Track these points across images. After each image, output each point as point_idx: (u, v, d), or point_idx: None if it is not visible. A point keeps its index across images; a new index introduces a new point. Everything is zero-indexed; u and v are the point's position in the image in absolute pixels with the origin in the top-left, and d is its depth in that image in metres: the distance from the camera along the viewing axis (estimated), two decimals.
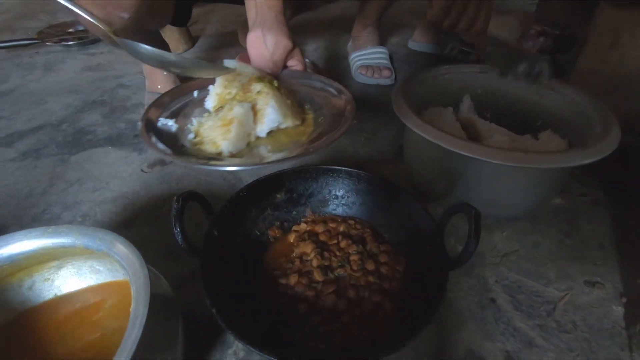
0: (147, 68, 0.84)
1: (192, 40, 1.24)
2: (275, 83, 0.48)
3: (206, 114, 0.47)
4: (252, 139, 0.45)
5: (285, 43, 0.53)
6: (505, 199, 0.52)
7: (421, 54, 1.15)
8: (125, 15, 0.54)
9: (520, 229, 0.55)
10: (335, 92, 0.51)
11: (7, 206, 0.62)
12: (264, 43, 0.52)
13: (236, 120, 0.42)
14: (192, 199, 0.41)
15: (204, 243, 0.41)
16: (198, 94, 0.51)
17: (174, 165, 0.70)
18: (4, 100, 0.95)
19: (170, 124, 0.46)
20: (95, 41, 1.25)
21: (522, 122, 0.64)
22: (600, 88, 0.66)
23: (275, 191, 0.51)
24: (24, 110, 0.90)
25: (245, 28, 1.00)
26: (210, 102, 0.48)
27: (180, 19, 0.85)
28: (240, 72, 0.48)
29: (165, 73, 0.82)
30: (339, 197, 0.52)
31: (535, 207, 0.57)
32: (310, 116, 0.49)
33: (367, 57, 0.99)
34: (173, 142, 0.43)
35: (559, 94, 0.59)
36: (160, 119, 0.46)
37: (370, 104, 0.89)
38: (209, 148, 0.42)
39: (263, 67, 0.53)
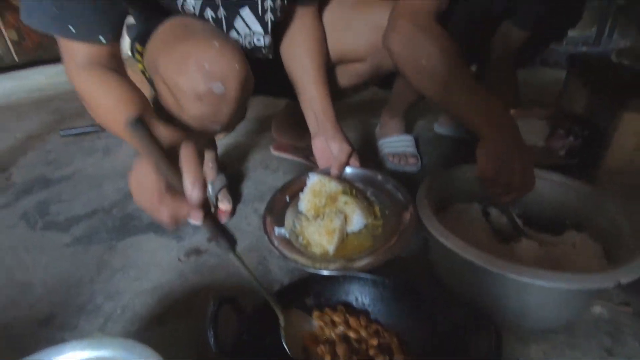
0: None
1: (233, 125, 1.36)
2: (354, 192, 0.61)
3: (303, 217, 0.60)
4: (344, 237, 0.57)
5: (346, 148, 0.66)
6: (537, 312, 0.51)
7: (447, 138, 1.19)
8: (218, 127, 0.61)
9: (558, 344, 0.52)
10: (392, 188, 0.63)
11: (58, 294, 0.67)
12: (329, 149, 0.67)
13: (337, 229, 0.55)
14: (227, 302, 0.44)
15: (234, 346, 0.43)
16: (290, 200, 0.64)
17: (208, 255, 0.74)
18: (67, 183, 1.06)
19: (283, 232, 0.57)
20: None
21: (550, 220, 0.64)
22: (627, 187, 0.65)
23: (304, 296, 0.52)
24: (82, 193, 1.00)
25: (280, 120, 1.10)
26: (303, 206, 0.61)
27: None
28: (325, 184, 0.61)
29: (210, 165, 0.90)
30: (366, 305, 0.53)
31: (571, 320, 0.54)
32: (377, 208, 0.61)
33: (393, 145, 1.04)
34: (288, 244, 0.55)
35: (586, 196, 0.59)
36: (275, 228, 0.58)
37: None
38: (317, 250, 0.54)
39: (332, 168, 0.66)
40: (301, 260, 0.52)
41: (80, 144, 1.33)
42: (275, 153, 1.13)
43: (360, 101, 1.55)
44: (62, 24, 0.48)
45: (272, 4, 0.63)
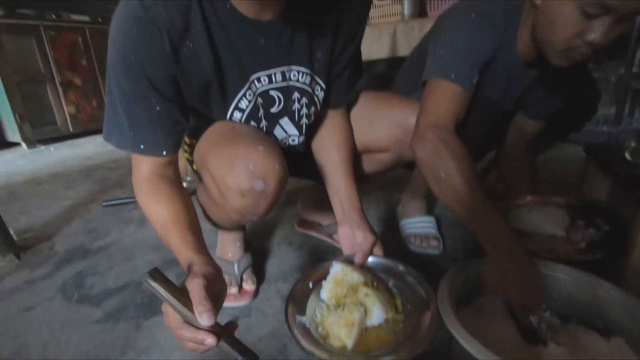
0: (221, 236, 0.97)
1: None
2: (375, 284, 0.63)
3: (324, 306, 0.61)
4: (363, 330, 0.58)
5: (371, 238, 0.70)
6: None
7: None
8: (255, 218, 0.66)
9: None
10: (414, 280, 0.65)
11: None
12: (354, 238, 0.71)
13: (357, 323, 0.56)
14: None
15: None
16: (312, 285, 0.66)
17: None
18: (103, 254, 1.13)
19: (304, 320, 0.59)
20: None
21: (581, 320, 0.61)
22: None
23: None
24: (116, 266, 1.06)
25: (306, 199, 1.16)
26: (325, 294, 0.63)
27: None
28: (348, 274, 0.63)
29: (238, 244, 0.94)
30: None
31: None
32: (398, 301, 0.63)
33: (415, 226, 1.06)
34: (307, 335, 0.56)
35: (617, 300, 0.57)
36: (297, 316, 0.59)
37: (418, 271, 0.91)
38: (335, 342, 0.55)
39: (356, 257, 0.69)
40: (319, 353, 0.53)
41: (119, 214, 1.43)
42: (299, 230, 1.17)
43: (384, 177, 1.60)
44: (134, 143, 0.58)
45: (307, 111, 0.71)
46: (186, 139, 0.78)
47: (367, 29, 2.20)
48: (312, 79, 0.68)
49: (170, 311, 0.43)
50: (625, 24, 0.60)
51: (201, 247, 0.54)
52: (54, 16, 2.78)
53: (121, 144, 0.59)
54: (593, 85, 0.94)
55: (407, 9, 2.17)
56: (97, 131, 3.10)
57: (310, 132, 0.79)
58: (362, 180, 1.04)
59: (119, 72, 0.54)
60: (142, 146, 0.58)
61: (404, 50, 2.15)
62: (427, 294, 0.61)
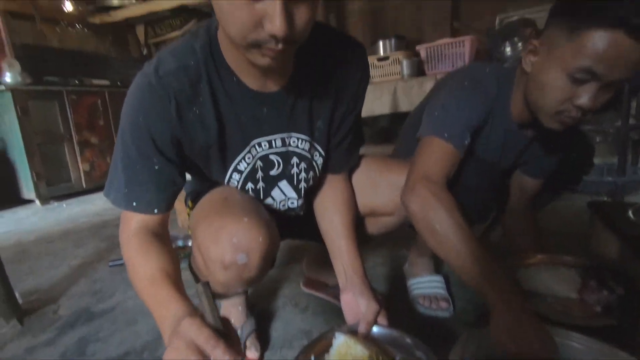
0: (224, 306, 0.95)
1: None
2: (380, 358, 0.61)
3: None
4: None
5: (374, 307, 0.68)
6: None
7: None
8: (240, 290, 0.67)
9: None
10: (422, 355, 0.62)
11: None
12: (358, 306, 0.69)
13: None
14: None
15: None
16: (315, 359, 0.64)
17: None
18: (106, 318, 1.11)
19: None
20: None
21: None
22: None
23: None
24: (118, 331, 1.04)
25: (312, 258, 1.15)
26: None
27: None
28: (351, 346, 0.62)
29: (240, 308, 0.92)
30: None
31: None
32: None
33: (423, 286, 1.04)
34: None
35: None
36: None
37: (428, 335, 0.87)
38: None
39: (360, 327, 0.67)
40: None
41: (124, 274, 1.42)
42: (305, 290, 1.15)
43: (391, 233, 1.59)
44: (128, 200, 0.60)
45: (305, 176, 0.74)
46: (190, 203, 0.80)
47: (370, 88, 2.31)
48: (312, 145, 0.71)
49: (182, 347, 0.41)
50: (612, 89, 0.64)
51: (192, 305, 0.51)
52: (76, 82, 3.00)
53: (117, 201, 0.61)
54: (586, 141, 0.97)
55: (406, 68, 2.30)
56: None
57: (312, 195, 0.81)
58: (366, 240, 1.04)
59: (126, 133, 0.58)
60: (134, 203, 0.60)
61: (405, 106, 2.25)
62: None
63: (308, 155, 0.71)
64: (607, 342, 0.60)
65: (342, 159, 0.78)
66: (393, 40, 2.57)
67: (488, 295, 0.62)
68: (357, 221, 0.84)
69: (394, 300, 1.07)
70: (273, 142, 0.67)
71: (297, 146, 0.70)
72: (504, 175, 0.99)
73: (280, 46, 0.47)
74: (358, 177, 0.85)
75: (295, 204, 0.76)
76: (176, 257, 0.61)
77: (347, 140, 0.75)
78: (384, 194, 0.83)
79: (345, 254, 0.75)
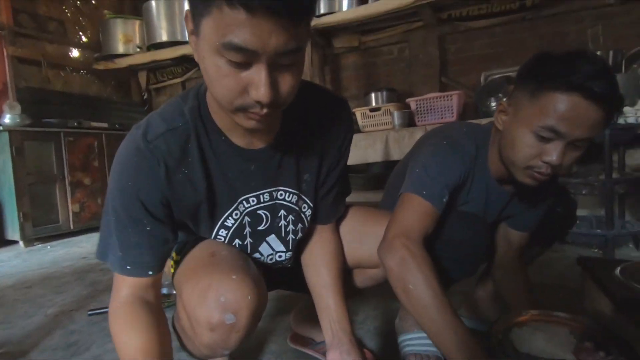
0: None
1: None
2: None
3: None
4: None
5: None
6: None
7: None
8: (226, 352, 0.64)
9: None
10: None
11: None
12: None
13: None
14: None
15: None
16: None
17: None
18: None
19: None
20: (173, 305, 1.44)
21: None
22: None
23: None
24: None
25: (300, 311, 1.11)
26: None
27: None
28: None
29: None
30: None
31: None
32: None
33: (415, 343, 0.99)
34: None
35: None
36: None
37: None
38: None
39: None
40: None
41: (104, 324, 1.35)
42: (292, 346, 1.09)
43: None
44: (122, 265, 0.59)
45: (293, 228, 0.73)
46: (174, 255, 0.79)
47: (362, 136, 2.39)
48: (299, 198, 0.71)
49: None
50: (580, 148, 0.69)
51: None
52: (75, 123, 3.04)
53: (113, 266, 0.61)
54: (567, 196, 1.00)
55: (397, 119, 2.39)
56: (96, 228, 3.12)
57: (300, 247, 0.80)
58: (354, 292, 1.02)
59: (116, 198, 0.59)
60: (128, 267, 0.59)
61: (396, 154, 2.30)
62: None
63: (296, 207, 0.72)
64: None
65: (329, 209, 0.78)
66: (385, 93, 2.70)
67: None
68: (345, 273, 0.83)
69: (384, 357, 1.03)
70: (261, 196, 0.68)
71: (284, 199, 0.70)
72: (490, 229, 1.00)
73: (265, 110, 0.49)
74: (345, 228, 0.85)
75: (283, 257, 0.75)
76: (165, 326, 0.60)
77: (334, 191, 0.77)
78: (369, 246, 0.82)
79: (333, 310, 0.73)
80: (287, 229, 0.73)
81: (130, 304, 0.58)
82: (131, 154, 0.58)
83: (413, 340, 1.01)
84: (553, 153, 0.68)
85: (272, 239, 0.72)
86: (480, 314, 1.14)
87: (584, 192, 1.77)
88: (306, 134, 0.68)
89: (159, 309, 0.62)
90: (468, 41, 2.73)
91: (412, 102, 2.35)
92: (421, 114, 2.33)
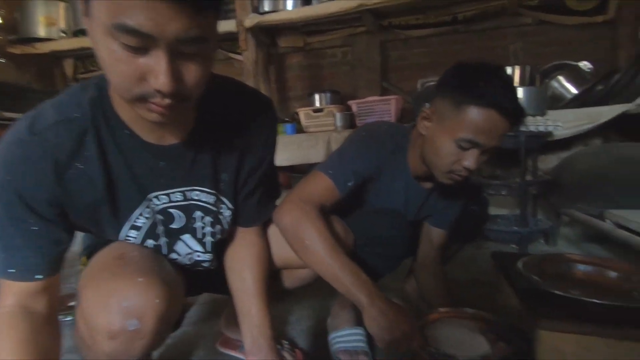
0: None
1: (184, 309, 1.31)
2: None
3: None
4: None
5: None
6: None
7: None
8: None
9: None
10: None
11: None
12: None
13: None
14: None
15: None
16: None
17: None
18: None
19: None
20: None
21: None
22: None
23: None
24: None
25: (230, 315, 1.08)
26: None
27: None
28: None
29: None
30: None
31: None
32: None
33: (344, 340, 1.01)
34: None
35: None
36: None
37: None
38: None
39: None
40: None
41: None
42: (220, 349, 1.06)
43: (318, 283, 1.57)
44: (3, 267, 0.52)
45: (211, 229, 0.70)
46: (83, 260, 0.72)
47: (305, 136, 2.40)
48: (217, 198, 0.68)
49: None
50: (490, 153, 0.80)
51: None
52: None
53: None
54: (481, 195, 1.10)
55: (339, 120, 2.44)
56: None
57: (223, 249, 0.77)
58: (282, 294, 1.01)
59: None
60: (11, 270, 0.53)
61: None
62: None
63: (214, 208, 0.68)
64: None
65: (253, 212, 0.76)
66: (328, 94, 2.73)
67: (357, 298, 0.72)
68: (273, 275, 0.82)
69: (317, 356, 1.03)
70: (172, 195, 0.64)
71: (200, 200, 0.67)
72: (413, 227, 1.06)
73: (167, 101, 0.45)
74: (273, 228, 0.84)
75: (203, 258, 0.72)
76: (53, 341, 0.54)
77: (257, 193, 0.74)
78: None
79: (254, 314, 0.71)
80: (204, 231, 0.69)
81: (9, 314, 0.52)
82: (13, 147, 0.51)
83: (343, 337, 1.03)
84: (471, 159, 0.77)
85: (187, 238, 0.69)
86: (409, 307, 1.20)
87: (503, 193, 1.94)
88: (225, 132, 0.65)
89: (50, 320, 0.55)
90: (407, 49, 2.86)
91: (354, 105, 2.40)
92: (362, 116, 2.39)
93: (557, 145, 2.18)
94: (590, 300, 0.65)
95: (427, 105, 0.86)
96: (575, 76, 2.27)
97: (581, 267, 0.80)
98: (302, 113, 2.51)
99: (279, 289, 0.94)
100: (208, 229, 0.69)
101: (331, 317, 1.12)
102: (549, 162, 2.22)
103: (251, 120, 0.68)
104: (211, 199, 0.67)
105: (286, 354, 0.98)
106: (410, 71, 2.83)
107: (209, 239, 0.70)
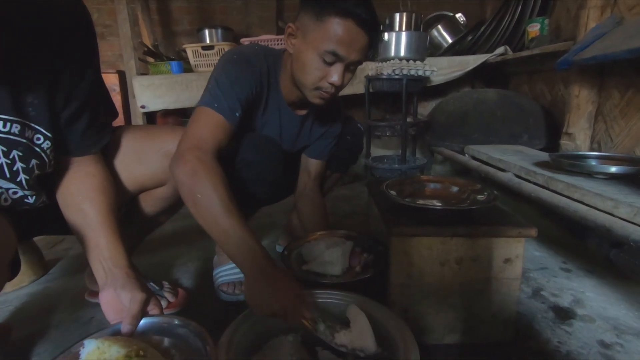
0: None
1: (44, 266, 1.16)
2: (142, 352, 0.53)
3: None
4: None
5: (140, 296, 0.60)
6: None
7: None
8: None
9: None
10: (191, 333, 0.59)
11: None
12: (120, 301, 0.60)
13: None
14: None
15: None
16: None
17: None
18: None
19: None
20: None
21: None
22: (414, 297, 0.76)
23: None
24: None
25: (90, 272, 0.98)
26: None
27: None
28: (105, 351, 0.52)
29: None
30: None
31: None
32: None
33: (227, 274, 1.02)
34: None
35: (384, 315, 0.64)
36: None
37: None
38: None
39: (123, 323, 0.58)
40: None
41: None
42: (90, 300, 0.98)
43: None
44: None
45: (24, 165, 0.59)
46: None
47: (194, 76, 2.20)
48: (26, 126, 0.57)
49: None
50: (353, 70, 0.82)
51: None
52: None
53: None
54: (355, 126, 1.15)
55: None
56: None
57: (55, 185, 0.67)
58: (149, 225, 0.95)
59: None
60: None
61: None
62: (205, 347, 0.56)
63: (22, 140, 0.56)
64: (362, 294, 0.70)
65: (84, 139, 0.66)
66: (219, 31, 2.51)
67: (240, 266, 0.66)
68: (119, 207, 0.75)
69: (201, 293, 1.02)
70: None
71: None
72: (294, 159, 1.07)
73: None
74: (120, 151, 0.76)
75: (21, 194, 0.61)
76: None
77: (87, 114, 0.64)
78: (151, 162, 0.77)
79: (103, 247, 0.64)
80: (14, 168, 0.58)
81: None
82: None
83: (226, 271, 1.03)
84: (336, 75, 0.77)
85: None
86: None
87: (388, 134, 2.10)
88: (25, 45, 0.52)
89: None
90: None
91: (246, 42, 2.25)
92: None
93: (436, 92, 2.42)
94: (431, 207, 0.75)
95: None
96: (452, 27, 2.48)
97: (431, 185, 0.92)
98: (190, 50, 2.26)
99: (142, 221, 0.88)
100: (20, 165, 0.58)
101: (217, 254, 1.11)
102: (428, 107, 2.46)
103: (61, 28, 0.55)
104: (16, 128, 0.55)
105: (166, 294, 0.95)
106: None
107: (23, 177, 0.59)
